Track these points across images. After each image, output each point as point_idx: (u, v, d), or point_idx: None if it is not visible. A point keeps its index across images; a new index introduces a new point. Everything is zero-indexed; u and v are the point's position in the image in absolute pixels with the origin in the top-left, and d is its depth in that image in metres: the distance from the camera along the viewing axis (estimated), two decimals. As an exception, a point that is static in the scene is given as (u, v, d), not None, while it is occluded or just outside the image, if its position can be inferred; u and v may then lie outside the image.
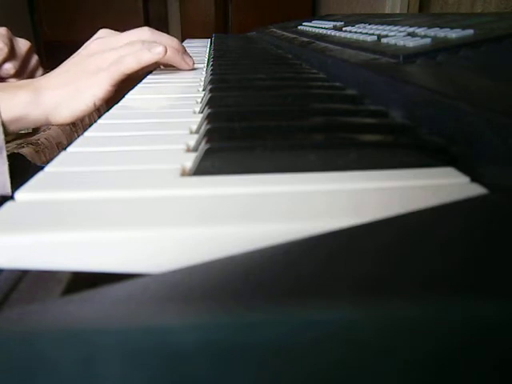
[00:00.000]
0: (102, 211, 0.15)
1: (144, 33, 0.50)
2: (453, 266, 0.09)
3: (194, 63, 0.55)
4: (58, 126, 0.49)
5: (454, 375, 0.08)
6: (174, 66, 0.55)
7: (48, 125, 0.46)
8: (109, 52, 0.46)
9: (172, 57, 0.52)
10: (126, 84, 0.48)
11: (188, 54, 0.56)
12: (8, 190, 0.43)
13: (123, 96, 0.39)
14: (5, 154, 0.42)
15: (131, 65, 0.44)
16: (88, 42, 0.49)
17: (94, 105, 0.44)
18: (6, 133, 0.43)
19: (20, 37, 0.57)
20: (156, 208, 0.15)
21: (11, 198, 0.16)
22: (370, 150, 0.19)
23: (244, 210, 0.15)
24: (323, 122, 0.25)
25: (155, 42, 0.49)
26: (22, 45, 0.56)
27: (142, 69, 0.47)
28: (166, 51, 0.46)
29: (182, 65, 0.54)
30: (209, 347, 0.08)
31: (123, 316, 0.09)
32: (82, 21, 2.26)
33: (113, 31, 0.51)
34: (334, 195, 0.16)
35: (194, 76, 0.51)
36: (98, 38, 0.49)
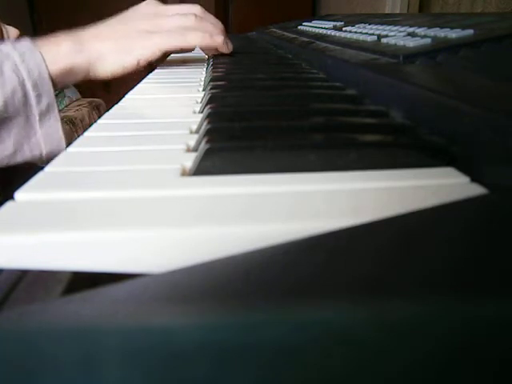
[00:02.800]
0: (101, 211, 0.15)
1: (196, 9, 0.50)
2: (453, 265, 0.09)
3: (232, 47, 0.56)
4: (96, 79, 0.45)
5: (454, 375, 0.08)
6: (216, 50, 0.55)
7: (87, 79, 0.45)
8: (168, 18, 0.45)
9: (222, 45, 0.52)
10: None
11: (228, 38, 0.56)
12: (63, 146, 0.42)
13: (123, 96, 0.39)
14: (57, 110, 0.41)
15: (193, 42, 0.45)
16: (143, 3, 0.48)
17: (138, 63, 0.43)
18: (55, 87, 0.42)
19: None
20: (156, 208, 0.15)
21: (11, 198, 0.16)
22: (369, 149, 0.19)
23: (244, 210, 0.15)
24: (323, 122, 0.25)
25: (205, 19, 0.50)
26: (11, 33, 0.55)
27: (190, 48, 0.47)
28: (223, 40, 0.48)
29: (225, 49, 0.54)
30: (209, 347, 0.08)
31: (123, 316, 0.09)
32: (82, 21, 2.26)
33: (161, 2, 0.50)
34: (333, 195, 0.16)
35: (194, 76, 0.51)
36: (147, 4, 0.48)
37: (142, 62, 0.43)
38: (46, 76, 0.40)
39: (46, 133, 0.41)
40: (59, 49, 0.41)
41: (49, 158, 0.42)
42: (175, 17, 0.46)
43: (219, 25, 0.53)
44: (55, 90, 0.42)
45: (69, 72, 0.42)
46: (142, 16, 0.46)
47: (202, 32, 0.46)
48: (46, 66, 0.40)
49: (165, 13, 0.47)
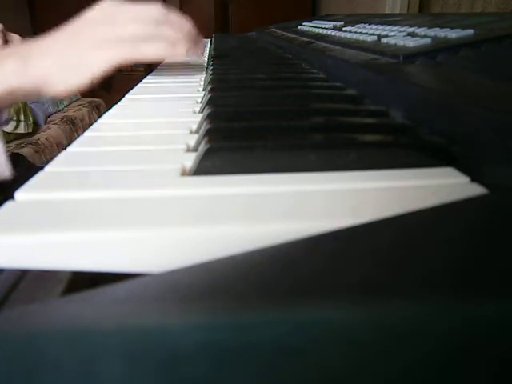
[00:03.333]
0: (101, 211, 0.15)
1: (155, 11, 0.43)
2: (453, 265, 0.09)
3: (203, 51, 0.49)
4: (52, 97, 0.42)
5: (454, 375, 0.08)
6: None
7: (40, 95, 0.41)
8: (122, 25, 0.39)
9: (188, 49, 0.44)
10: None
11: (200, 39, 0.49)
12: (6, 172, 0.39)
13: (123, 96, 0.39)
14: (0, 132, 0.37)
15: (152, 53, 0.39)
16: (96, 6, 0.41)
17: (92, 80, 0.38)
18: None
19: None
20: (156, 208, 0.15)
21: (11, 197, 0.16)
22: (369, 149, 0.19)
23: (244, 210, 0.15)
24: (323, 122, 0.25)
25: (167, 23, 0.43)
26: (15, 39, 0.51)
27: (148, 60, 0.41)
28: (185, 50, 0.41)
29: (193, 54, 0.47)
30: (209, 347, 0.08)
31: (123, 316, 0.09)
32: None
33: (117, 3, 0.43)
34: (333, 195, 0.16)
35: (194, 76, 0.51)
36: (101, 8, 0.41)
37: (96, 78, 0.38)
38: None
39: None
40: (3, 69, 0.37)
41: None
42: (130, 23, 0.40)
43: (184, 27, 0.45)
44: (0, 111, 0.38)
45: (13, 93, 0.39)
46: (94, 23, 0.40)
47: (160, 42, 0.40)
48: None
49: (119, 18, 0.40)
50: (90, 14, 0.41)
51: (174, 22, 0.44)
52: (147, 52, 0.39)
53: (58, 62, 0.38)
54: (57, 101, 2.02)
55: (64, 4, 2.33)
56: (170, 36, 0.41)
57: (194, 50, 0.46)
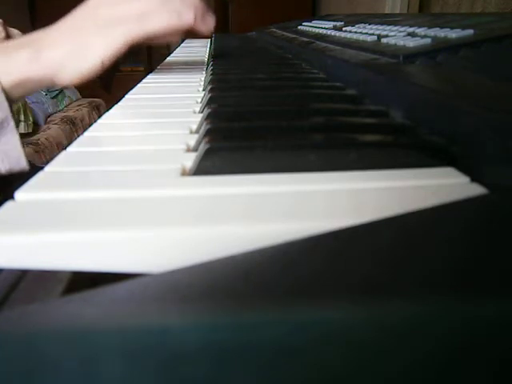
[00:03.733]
0: (102, 211, 0.15)
1: None
2: (453, 266, 0.09)
3: (214, 24, 0.46)
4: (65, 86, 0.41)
5: (454, 375, 0.08)
6: (195, 31, 0.45)
7: (55, 85, 0.41)
8: (127, 3, 0.38)
9: (197, 21, 0.43)
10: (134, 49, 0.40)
11: (210, 13, 0.46)
12: (24, 164, 0.38)
13: (123, 96, 0.39)
14: (13, 124, 0.37)
15: (157, 26, 0.38)
16: None
17: (102, 64, 0.38)
18: (11, 99, 0.38)
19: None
20: (156, 208, 0.15)
21: (11, 197, 0.16)
22: (369, 149, 0.19)
23: (244, 210, 0.15)
24: (323, 122, 0.25)
25: None
26: (16, 34, 0.50)
27: (164, 36, 0.40)
28: (195, 19, 0.40)
29: (203, 29, 0.45)
30: (209, 347, 0.08)
31: (123, 316, 0.09)
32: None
33: None
34: (333, 195, 0.16)
35: (194, 76, 0.51)
36: None
37: (107, 62, 0.38)
38: None
39: (2, 150, 0.37)
40: (15, 59, 0.37)
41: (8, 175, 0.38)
42: (133, 1, 0.39)
43: (197, 2, 0.44)
44: (12, 102, 0.38)
45: (26, 83, 0.38)
46: (101, 5, 0.39)
47: (167, 13, 0.39)
48: None
49: None
50: None
51: None
52: (152, 25, 0.38)
53: (68, 50, 0.38)
54: (57, 100, 2.02)
55: (64, 4, 2.33)
56: (175, 7, 0.40)
57: (204, 24, 0.44)
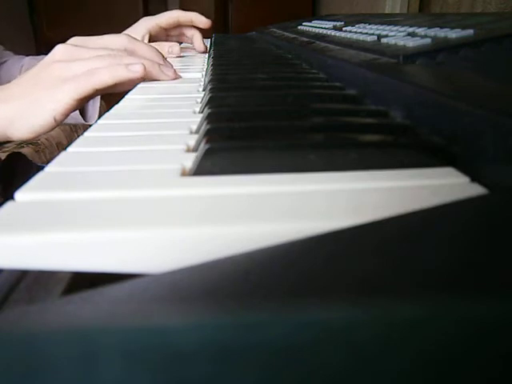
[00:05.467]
0: (102, 211, 0.15)
1: (120, 40, 0.45)
2: (453, 265, 0.09)
3: (174, 72, 0.48)
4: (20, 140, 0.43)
5: (454, 375, 0.08)
6: (154, 80, 0.47)
7: (8, 141, 0.43)
8: (76, 62, 0.40)
9: (150, 71, 0.44)
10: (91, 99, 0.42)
11: (168, 64, 0.49)
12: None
13: (123, 96, 0.39)
14: None
15: (104, 79, 0.39)
16: (55, 48, 0.43)
17: (55, 120, 0.39)
18: None
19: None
20: (156, 208, 0.15)
21: (11, 198, 0.16)
22: (370, 149, 0.19)
23: (244, 210, 0.15)
24: (323, 122, 0.25)
25: (132, 51, 0.44)
26: None
27: (116, 86, 0.42)
28: (144, 69, 0.41)
29: (162, 77, 0.46)
30: (209, 347, 0.08)
31: (123, 316, 0.09)
32: (82, 21, 2.26)
33: (86, 38, 0.45)
34: (334, 195, 0.16)
35: (194, 76, 0.51)
36: (67, 45, 0.43)
37: (59, 117, 0.39)
38: None
39: None
40: None
41: None
42: (88, 58, 0.41)
43: (152, 54, 0.46)
44: None
45: None
46: (54, 65, 0.41)
47: (114, 67, 0.40)
48: None
49: (77, 55, 0.42)
50: (49, 56, 0.42)
51: (137, 48, 0.45)
52: (99, 79, 0.39)
53: (18, 106, 0.39)
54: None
55: (64, 4, 2.33)
56: (123, 61, 0.41)
57: (164, 73, 0.46)
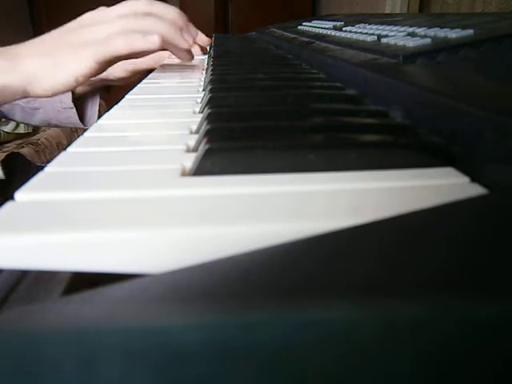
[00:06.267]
0: (101, 211, 0.15)
1: (139, 4, 0.45)
2: (453, 266, 0.09)
3: (194, 39, 0.48)
4: (38, 97, 0.44)
5: (455, 375, 0.08)
6: (174, 45, 0.47)
7: (28, 96, 0.43)
8: (98, 26, 0.42)
9: (169, 39, 0.44)
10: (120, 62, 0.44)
11: (190, 28, 0.49)
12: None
13: (123, 96, 0.39)
14: None
15: (119, 48, 0.41)
16: (82, 15, 0.45)
17: (76, 80, 0.41)
18: None
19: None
20: (156, 208, 0.15)
21: (11, 198, 0.16)
22: (369, 150, 0.20)
23: (244, 210, 0.15)
24: (323, 122, 0.25)
25: (150, 13, 0.44)
26: None
27: (134, 54, 0.43)
28: (161, 40, 0.41)
29: (182, 44, 0.46)
30: (209, 347, 0.08)
31: (123, 316, 0.09)
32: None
33: (104, 8, 0.46)
34: (334, 195, 0.16)
35: (194, 76, 0.51)
36: (93, 12, 0.45)
37: (81, 79, 0.41)
38: None
39: None
40: None
41: None
42: (111, 21, 0.42)
43: (172, 14, 0.46)
44: None
45: (1, 91, 0.41)
46: (73, 30, 0.43)
47: (129, 36, 0.41)
48: None
49: (104, 18, 0.43)
50: (83, 17, 0.44)
51: (157, 10, 0.45)
52: (115, 47, 0.40)
53: (45, 62, 0.41)
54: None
55: (64, 4, 2.33)
56: (140, 29, 0.42)
57: (184, 39, 0.46)
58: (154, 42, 0.41)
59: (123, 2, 0.46)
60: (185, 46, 0.47)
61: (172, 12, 0.47)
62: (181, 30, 0.46)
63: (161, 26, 0.43)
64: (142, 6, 0.45)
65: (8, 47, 0.42)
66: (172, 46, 0.46)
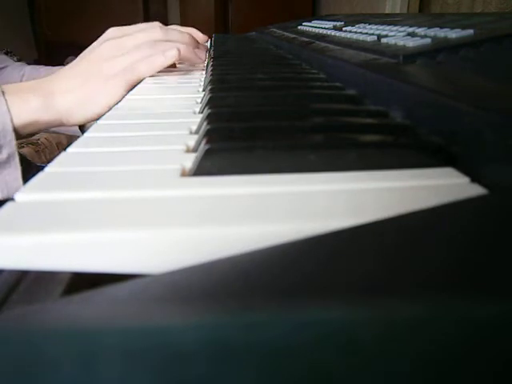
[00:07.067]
0: (101, 212, 0.15)
1: (155, 31, 0.50)
2: (453, 266, 0.09)
3: (206, 54, 0.56)
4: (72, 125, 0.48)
5: (455, 375, 0.08)
6: (189, 62, 0.55)
7: (61, 126, 0.47)
8: (122, 57, 0.46)
9: (185, 55, 0.51)
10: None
11: (202, 46, 0.57)
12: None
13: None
14: (17, 159, 0.43)
15: (145, 71, 0.45)
16: (96, 42, 0.49)
17: (108, 108, 0.44)
18: (18, 137, 0.43)
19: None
20: (156, 208, 0.15)
21: (11, 198, 0.16)
22: (369, 150, 0.20)
23: (244, 211, 0.15)
24: (323, 123, 0.25)
25: (167, 40, 0.49)
26: None
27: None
28: (179, 53, 0.47)
29: (196, 60, 0.54)
30: (209, 347, 0.08)
31: (123, 316, 0.09)
32: (82, 21, 2.26)
33: (121, 28, 0.51)
34: (334, 195, 0.16)
35: (194, 76, 0.51)
36: (108, 40, 0.49)
37: (112, 105, 0.44)
38: (10, 129, 0.41)
39: (4, 180, 0.42)
40: (27, 105, 0.42)
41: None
42: (131, 52, 0.47)
43: (185, 39, 0.53)
44: (20, 138, 0.43)
45: (35, 124, 0.44)
46: (105, 57, 0.47)
47: (153, 57, 0.46)
48: (11, 119, 0.41)
49: (123, 48, 0.47)
50: (98, 52, 0.48)
51: (171, 37, 0.51)
52: (144, 70, 0.46)
53: (77, 98, 0.45)
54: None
55: (64, 4, 2.33)
56: (160, 49, 0.47)
57: (198, 56, 0.54)
58: (173, 56, 0.46)
59: (140, 28, 0.50)
60: (199, 62, 0.55)
61: (186, 36, 0.53)
62: (194, 48, 0.53)
63: (178, 45, 0.49)
64: (159, 35, 0.50)
65: (42, 82, 0.46)
66: (189, 61, 0.54)
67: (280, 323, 0.08)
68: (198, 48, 0.54)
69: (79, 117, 0.45)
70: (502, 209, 0.12)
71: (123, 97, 0.44)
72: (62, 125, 0.46)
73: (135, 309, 0.09)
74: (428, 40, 0.34)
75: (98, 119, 0.45)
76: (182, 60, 0.52)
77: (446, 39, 0.33)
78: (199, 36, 0.69)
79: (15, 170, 0.42)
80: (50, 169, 0.20)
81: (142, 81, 0.47)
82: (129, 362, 0.08)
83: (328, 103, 0.31)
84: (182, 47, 0.49)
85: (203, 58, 0.55)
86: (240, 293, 0.09)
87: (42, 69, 0.72)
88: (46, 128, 0.47)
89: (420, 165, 0.18)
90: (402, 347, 0.08)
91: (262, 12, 2.30)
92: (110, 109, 0.45)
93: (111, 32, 0.51)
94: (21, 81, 0.69)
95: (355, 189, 0.16)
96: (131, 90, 0.45)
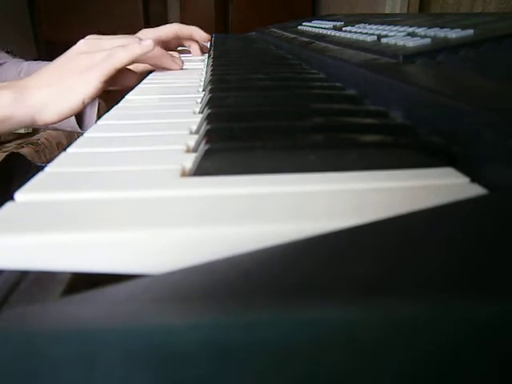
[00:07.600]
0: (102, 212, 0.15)
1: (129, 38, 0.51)
2: (453, 266, 0.09)
3: (183, 63, 0.58)
4: (44, 125, 0.48)
5: (454, 375, 0.08)
6: (165, 69, 0.57)
7: (34, 125, 0.47)
8: (99, 52, 0.46)
9: (161, 60, 0.54)
10: (119, 81, 0.49)
11: (177, 55, 0.59)
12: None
13: (123, 96, 0.39)
14: None
15: (122, 58, 0.45)
16: (77, 43, 0.50)
17: (83, 103, 0.44)
18: None
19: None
20: (156, 208, 0.15)
21: (11, 198, 0.16)
22: (369, 150, 0.20)
23: (244, 211, 0.15)
24: (323, 123, 0.25)
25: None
26: None
27: (133, 63, 0.48)
28: (154, 44, 0.47)
29: (173, 66, 0.56)
30: (209, 347, 0.08)
31: (123, 316, 0.09)
32: (82, 21, 2.26)
33: (100, 36, 0.52)
34: (334, 195, 0.16)
35: (194, 76, 0.51)
36: (85, 39, 0.49)
37: (87, 100, 0.44)
38: None
39: None
40: (0, 98, 0.42)
41: None
42: (108, 48, 0.47)
43: (158, 50, 0.54)
44: None
45: (8, 122, 0.43)
46: (78, 56, 0.47)
47: (128, 45, 0.46)
48: None
49: (99, 46, 0.48)
50: (74, 49, 0.48)
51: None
52: (118, 58, 0.45)
53: (51, 93, 0.44)
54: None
55: (64, 4, 2.33)
56: (135, 40, 0.48)
57: (175, 62, 0.56)
58: (149, 45, 0.46)
59: (113, 36, 0.52)
60: (176, 68, 0.57)
61: (158, 48, 0.54)
62: (171, 56, 0.56)
63: (149, 37, 0.51)
64: (132, 39, 0.51)
65: (20, 80, 0.46)
66: (165, 66, 0.56)
67: (280, 323, 0.08)
68: (174, 56, 0.57)
69: (52, 113, 0.44)
70: (501, 209, 0.12)
71: (100, 89, 0.44)
72: (34, 122, 0.45)
73: (135, 309, 0.09)
74: (428, 40, 0.34)
75: (70, 116, 0.45)
76: (157, 63, 0.55)
77: (445, 39, 0.33)
78: (202, 35, 0.70)
79: None
80: (50, 169, 0.20)
81: (120, 71, 0.46)
82: (129, 362, 0.08)
83: (328, 103, 0.31)
84: (159, 52, 0.51)
85: (180, 64, 0.57)
86: (240, 293, 0.09)
87: (40, 64, 0.72)
88: (18, 126, 0.45)
89: (420, 165, 0.18)
90: (402, 347, 0.08)
91: (262, 12, 2.30)
92: (85, 105, 0.44)
93: (90, 36, 0.51)
94: (18, 76, 0.69)
95: (355, 189, 0.16)
96: (108, 81, 0.45)
